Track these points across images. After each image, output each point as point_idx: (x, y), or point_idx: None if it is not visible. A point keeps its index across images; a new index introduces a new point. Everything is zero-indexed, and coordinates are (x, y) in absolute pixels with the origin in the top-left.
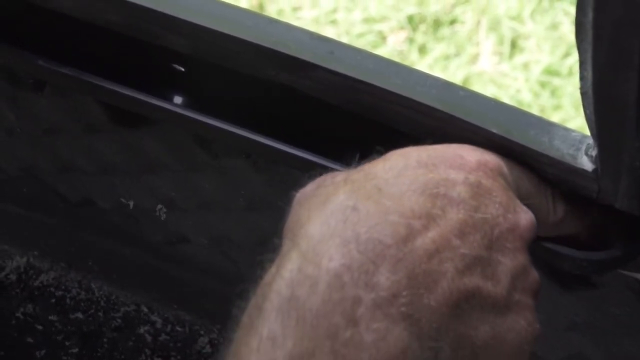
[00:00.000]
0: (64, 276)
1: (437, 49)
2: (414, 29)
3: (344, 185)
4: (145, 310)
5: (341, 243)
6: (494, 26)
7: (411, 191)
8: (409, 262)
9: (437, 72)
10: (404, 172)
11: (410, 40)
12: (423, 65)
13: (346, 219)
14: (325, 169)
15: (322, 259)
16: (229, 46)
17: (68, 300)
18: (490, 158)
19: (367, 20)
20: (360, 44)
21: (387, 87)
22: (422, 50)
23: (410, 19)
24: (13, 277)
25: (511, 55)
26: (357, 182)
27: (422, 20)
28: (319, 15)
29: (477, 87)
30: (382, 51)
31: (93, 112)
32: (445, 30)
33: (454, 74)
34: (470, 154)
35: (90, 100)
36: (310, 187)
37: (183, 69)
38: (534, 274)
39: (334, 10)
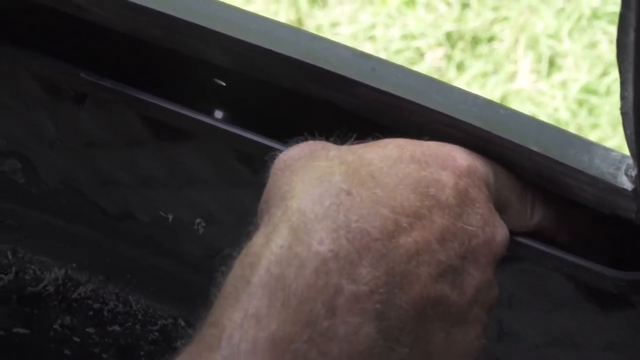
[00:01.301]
0: (101, 288)
1: (475, 66)
2: (452, 46)
3: (340, 165)
4: (183, 323)
5: (332, 227)
6: (532, 44)
7: (403, 186)
8: (390, 260)
9: (475, 90)
10: (398, 164)
11: (448, 57)
12: (460, 82)
13: (340, 203)
14: None
15: (312, 240)
16: (271, 61)
17: (106, 313)
18: (480, 165)
19: (405, 36)
20: (398, 60)
21: (428, 104)
22: (460, 67)
23: (449, 36)
24: (51, 288)
25: (549, 73)
26: (352, 166)
27: (460, 37)
28: (357, 31)
29: (515, 105)
30: (420, 68)
31: (134, 125)
32: (483, 48)
33: (491, 92)
34: (462, 157)
35: (131, 114)
36: (297, 153)
37: (224, 84)
38: (495, 291)
39: (373, 27)
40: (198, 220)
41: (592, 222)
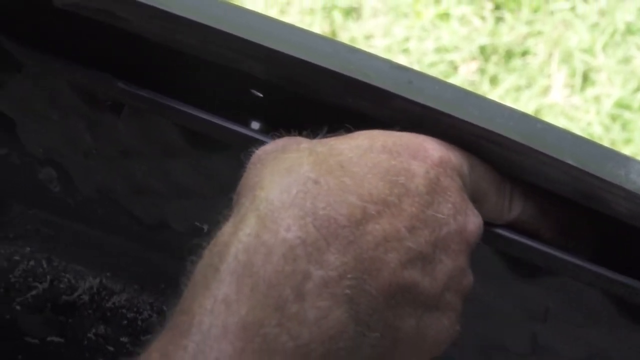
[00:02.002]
0: (136, 298)
1: (509, 80)
2: (486, 59)
3: (309, 156)
4: None
5: (299, 214)
6: (566, 58)
7: (372, 174)
8: (357, 246)
9: (508, 103)
10: (368, 154)
11: (482, 71)
12: (494, 96)
13: (307, 191)
14: None
15: (279, 227)
16: (307, 73)
17: (140, 322)
18: (453, 156)
19: (439, 49)
20: (432, 73)
21: (465, 117)
22: (494, 81)
23: (482, 49)
24: (86, 297)
25: (582, 88)
26: (321, 155)
27: (494, 51)
28: (391, 43)
29: (548, 119)
30: (454, 81)
31: (170, 135)
32: (517, 62)
33: (525, 106)
34: (434, 148)
35: (168, 124)
36: (271, 147)
37: (261, 95)
38: (469, 278)
39: (407, 39)
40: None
41: (575, 217)
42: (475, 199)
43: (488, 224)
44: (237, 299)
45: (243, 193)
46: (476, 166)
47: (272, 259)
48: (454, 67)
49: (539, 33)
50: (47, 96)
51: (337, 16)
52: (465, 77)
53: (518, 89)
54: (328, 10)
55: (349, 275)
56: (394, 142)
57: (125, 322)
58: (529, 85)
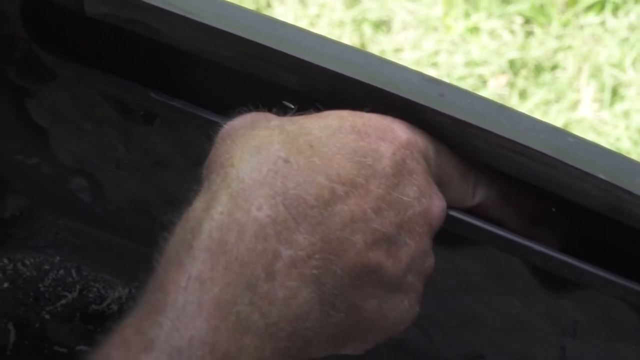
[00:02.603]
0: None
1: (538, 95)
2: (515, 73)
3: (279, 134)
4: None
5: (270, 194)
6: (595, 73)
7: (340, 155)
8: (325, 227)
9: (537, 118)
10: (337, 134)
11: (511, 85)
12: (523, 110)
13: (277, 170)
14: None
15: (251, 206)
16: (339, 84)
17: None
18: (420, 139)
19: (469, 63)
20: (461, 86)
21: (496, 130)
22: (523, 95)
23: (512, 63)
24: (114, 307)
25: (612, 102)
26: (291, 135)
27: (524, 65)
28: (420, 57)
29: (577, 133)
30: (483, 95)
31: (202, 145)
32: (546, 76)
33: (553, 120)
34: (402, 130)
35: (199, 134)
36: (240, 123)
37: (293, 106)
38: (431, 261)
39: (436, 53)
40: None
41: (540, 206)
42: (440, 183)
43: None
44: (211, 276)
45: (213, 169)
46: (442, 151)
47: (244, 237)
48: (483, 81)
49: (569, 47)
50: (79, 106)
51: (367, 29)
52: (494, 91)
53: (547, 103)
54: (358, 22)
55: (316, 256)
56: (363, 123)
57: None
58: (558, 100)
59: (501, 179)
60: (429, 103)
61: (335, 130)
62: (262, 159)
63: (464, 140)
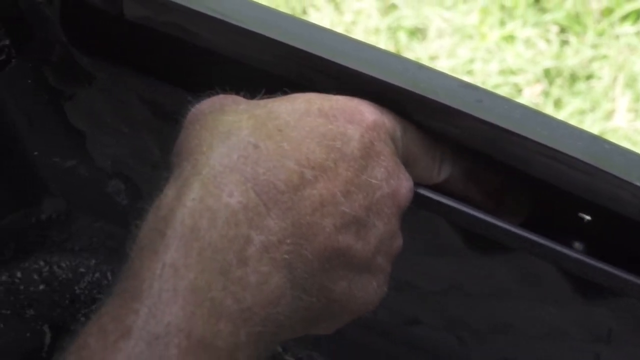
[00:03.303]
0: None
1: (573, 104)
2: (550, 82)
3: (248, 119)
4: (280, 350)
5: (240, 180)
6: (631, 83)
7: (309, 139)
8: (296, 212)
9: None
10: (305, 118)
11: (546, 94)
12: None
13: (247, 156)
14: (455, 212)
15: (222, 192)
16: (377, 90)
17: None
18: (387, 119)
19: (504, 72)
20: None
21: (533, 137)
22: (558, 104)
23: (547, 72)
24: None
25: None
26: (260, 119)
27: (559, 74)
28: (455, 65)
29: None
30: None
31: None
32: (581, 85)
33: (588, 129)
34: (369, 111)
35: None
36: (208, 107)
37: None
38: (399, 241)
39: (471, 61)
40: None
41: (504, 182)
42: (407, 162)
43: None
44: (185, 263)
45: (183, 156)
46: (408, 130)
47: (216, 223)
48: (518, 90)
49: (604, 57)
50: (116, 109)
51: (402, 36)
52: (529, 99)
53: (582, 112)
54: (393, 30)
55: (287, 241)
56: (331, 105)
57: None
58: (592, 109)
59: (465, 155)
60: (467, 109)
61: (303, 114)
62: (231, 144)
63: (429, 117)
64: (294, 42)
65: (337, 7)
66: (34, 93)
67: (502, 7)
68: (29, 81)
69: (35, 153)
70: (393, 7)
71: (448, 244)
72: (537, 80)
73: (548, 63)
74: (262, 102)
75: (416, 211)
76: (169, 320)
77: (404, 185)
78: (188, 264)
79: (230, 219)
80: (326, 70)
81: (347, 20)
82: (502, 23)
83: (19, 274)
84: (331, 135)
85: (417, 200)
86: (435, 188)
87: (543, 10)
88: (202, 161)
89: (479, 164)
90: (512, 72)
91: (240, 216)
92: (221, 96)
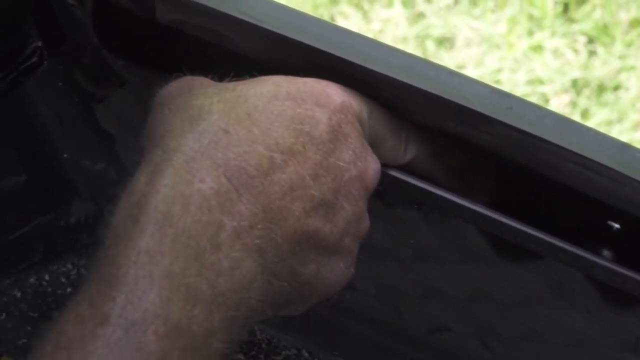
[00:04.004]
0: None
1: (600, 114)
2: (578, 93)
3: (217, 103)
4: (306, 354)
5: (212, 165)
6: None
7: (278, 123)
8: (266, 196)
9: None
10: (273, 101)
11: (573, 104)
12: None
13: (218, 141)
14: (484, 218)
15: (194, 178)
16: (409, 96)
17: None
18: (354, 101)
19: (531, 81)
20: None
21: (564, 144)
22: (585, 114)
23: (575, 83)
24: None
25: None
26: (229, 103)
27: (586, 84)
28: (483, 74)
29: None
30: None
31: None
32: (608, 96)
33: None
34: (336, 94)
35: None
36: (176, 90)
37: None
38: (366, 223)
39: (499, 71)
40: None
41: (467, 160)
42: (373, 144)
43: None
44: (160, 250)
45: (154, 140)
46: (374, 111)
47: (189, 209)
48: (546, 100)
49: (632, 68)
50: (147, 112)
51: (430, 45)
52: (556, 109)
53: (609, 123)
54: (421, 39)
55: (258, 226)
56: (298, 88)
57: None
58: (620, 120)
59: (431, 135)
60: (498, 115)
61: (271, 97)
62: (202, 130)
63: (395, 97)
64: (325, 47)
65: (365, 15)
66: (65, 95)
67: (531, 17)
68: (60, 83)
69: (65, 155)
70: (421, 16)
71: (477, 251)
72: (565, 91)
73: (576, 73)
74: (231, 85)
75: (445, 219)
76: (146, 307)
77: (372, 167)
78: (163, 251)
79: (202, 204)
80: (357, 76)
81: (375, 28)
82: (530, 33)
83: (47, 277)
84: (299, 118)
85: (445, 207)
86: (401, 168)
87: (571, 21)
88: (172, 146)
89: (443, 143)
90: (540, 82)
91: (213, 202)
92: (188, 78)
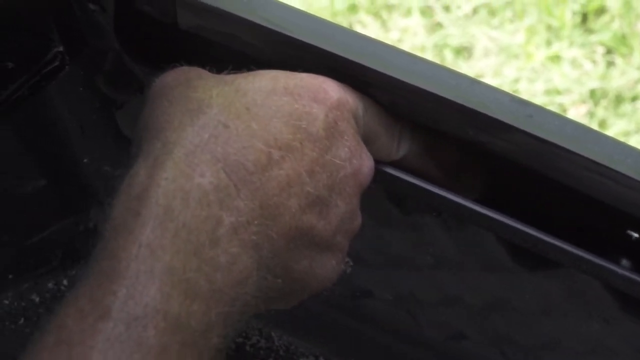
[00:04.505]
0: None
1: (618, 125)
2: (596, 103)
3: (217, 97)
4: None
5: (212, 160)
6: None
7: (276, 119)
8: (263, 192)
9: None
10: (271, 96)
11: (591, 115)
12: None
13: (218, 135)
14: (502, 226)
15: (194, 172)
16: (430, 103)
17: (248, 348)
18: (350, 98)
19: (549, 91)
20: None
21: (584, 153)
22: (602, 125)
23: (593, 93)
24: None
25: None
26: (228, 97)
27: (604, 95)
28: (501, 84)
29: None
30: None
31: None
32: (626, 107)
33: None
34: (333, 90)
35: None
36: (174, 81)
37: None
38: (359, 220)
39: (517, 80)
40: (346, 259)
41: (460, 157)
42: (367, 140)
43: None
44: (161, 244)
45: (153, 132)
46: (369, 107)
47: (189, 203)
48: (563, 110)
49: None
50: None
51: (448, 54)
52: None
53: (627, 133)
54: (439, 48)
55: (255, 222)
56: (296, 84)
57: (233, 346)
58: (638, 130)
59: (422, 131)
60: (518, 124)
61: (269, 92)
62: (202, 123)
63: (389, 94)
64: (346, 54)
65: (384, 24)
66: (85, 100)
67: (549, 27)
68: (81, 88)
69: (85, 160)
70: (439, 25)
71: (495, 259)
72: (583, 101)
73: (594, 84)
74: (229, 78)
75: (463, 226)
76: (147, 302)
77: (366, 164)
78: (164, 245)
79: (202, 199)
80: (379, 84)
81: (393, 37)
82: (549, 43)
83: (65, 282)
84: (297, 114)
85: (463, 215)
86: (393, 165)
87: (589, 31)
88: (172, 139)
89: (435, 140)
90: (558, 92)
91: (212, 197)
92: (185, 68)
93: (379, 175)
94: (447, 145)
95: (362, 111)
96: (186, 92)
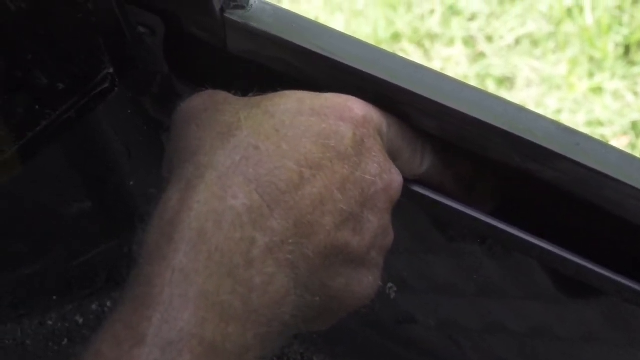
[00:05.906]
0: (287, 347)
1: None
2: (637, 135)
3: (246, 120)
4: None
5: (244, 181)
6: None
7: (306, 138)
8: (297, 211)
9: None
10: (299, 117)
11: (632, 146)
12: None
13: (249, 157)
14: (547, 254)
15: (226, 195)
16: (478, 130)
17: None
18: (375, 115)
19: (591, 123)
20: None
21: (630, 182)
22: None
23: (634, 125)
24: None
25: None
26: (257, 120)
27: None
28: (544, 114)
29: None
30: None
31: None
32: None
33: None
34: (358, 108)
35: None
36: (201, 105)
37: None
38: (391, 235)
39: (559, 111)
40: (390, 284)
41: (475, 170)
42: (391, 156)
43: None
44: (194, 268)
45: (184, 157)
46: (393, 124)
47: (222, 226)
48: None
49: None
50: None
51: (490, 84)
52: None
53: None
54: (482, 78)
55: (290, 241)
56: (322, 104)
57: None
58: None
59: (443, 146)
60: (566, 152)
61: (296, 113)
62: (233, 146)
63: (412, 111)
64: (396, 81)
65: (427, 53)
66: (132, 122)
67: (591, 59)
68: (129, 111)
69: (131, 183)
70: (482, 55)
71: (539, 286)
72: (624, 133)
73: (635, 116)
74: (255, 100)
75: (507, 254)
76: (182, 327)
77: (396, 179)
78: (197, 269)
79: (235, 221)
80: (428, 110)
81: (436, 66)
82: (591, 74)
83: (108, 304)
84: (325, 134)
85: (508, 242)
86: (416, 180)
87: (632, 63)
88: (204, 163)
89: (453, 153)
90: (599, 124)
91: (245, 218)
92: (210, 92)
93: (422, 200)
94: (464, 158)
95: (386, 127)
96: (215, 115)
